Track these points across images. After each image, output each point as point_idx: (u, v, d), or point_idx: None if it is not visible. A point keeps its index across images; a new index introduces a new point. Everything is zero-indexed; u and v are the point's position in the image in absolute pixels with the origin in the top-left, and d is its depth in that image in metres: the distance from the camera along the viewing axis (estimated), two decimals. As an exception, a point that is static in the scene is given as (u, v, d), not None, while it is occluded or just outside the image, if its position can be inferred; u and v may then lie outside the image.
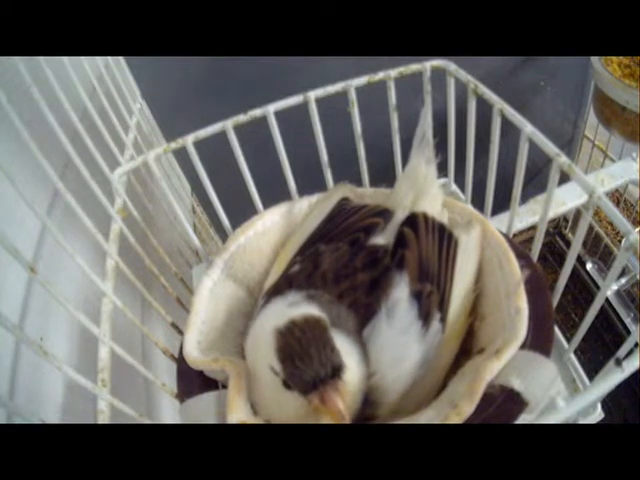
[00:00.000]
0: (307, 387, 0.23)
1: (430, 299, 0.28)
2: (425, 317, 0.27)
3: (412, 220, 0.32)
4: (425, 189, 0.34)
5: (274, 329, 0.24)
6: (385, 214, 0.33)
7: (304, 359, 0.23)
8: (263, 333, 0.25)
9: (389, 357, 0.26)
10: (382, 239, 0.32)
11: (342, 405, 0.22)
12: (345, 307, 0.27)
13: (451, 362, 0.28)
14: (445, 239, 0.31)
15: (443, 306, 0.28)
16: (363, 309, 0.27)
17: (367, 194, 0.38)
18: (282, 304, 0.27)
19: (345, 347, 0.25)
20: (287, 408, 0.24)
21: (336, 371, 0.23)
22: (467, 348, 0.29)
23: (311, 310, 0.25)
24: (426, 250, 0.30)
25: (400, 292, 0.28)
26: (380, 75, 0.41)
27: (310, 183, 0.41)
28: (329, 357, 0.23)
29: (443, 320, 0.28)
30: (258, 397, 0.26)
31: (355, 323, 0.26)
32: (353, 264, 0.30)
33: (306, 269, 0.30)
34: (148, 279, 0.40)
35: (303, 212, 0.38)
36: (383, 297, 0.27)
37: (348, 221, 0.34)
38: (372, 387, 0.25)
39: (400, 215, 0.33)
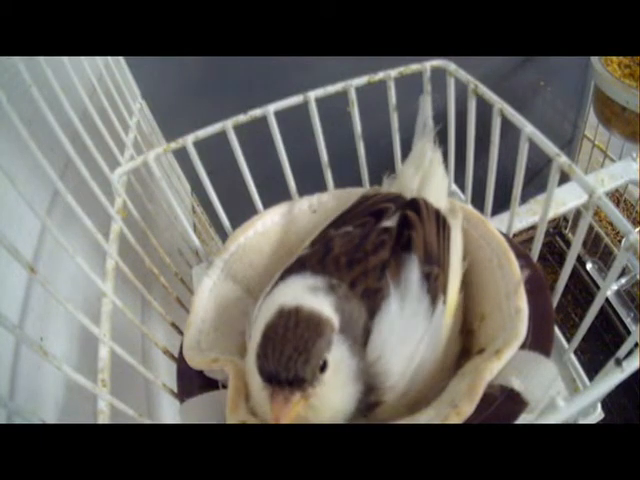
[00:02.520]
0: (264, 376, 0.23)
1: (437, 281, 0.28)
2: (433, 299, 0.27)
3: (414, 204, 0.32)
4: (431, 173, 0.35)
5: (280, 305, 0.24)
6: (396, 200, 0.34)
7: (275, 350, 0.23)
8: (272, 304, 0.25)
9: (395, 340, 0.26)
10: (388, 222, 0.32)
11: (284, 418, 0.22)
12: (358, 298, 0.27)
13: (455, 341, 0.28)
14: (441, 224, 0.32)
15: (446, 289, 0.29)
16: (374, 296, 0.27)
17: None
18: (302, 284, 0.26)
19: (341, 361, 0.24)
20: (256, 382, 0.24)
21: (296, 382, 0.22)
22: (467, 348, 0.29)
23: (325, 308, 0.24)
24: (429, 233, 0.30)
25: (411, 273, 0.28)
26: (380, 75, 0.41)
27: (310, 183, 0.41)
28: (297, 366, 0.22)
29: (445, 302, 0.28)
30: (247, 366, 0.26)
31: (365, 320, 0.26)
32: (364, 247, 0.30)
33: (318, 252, 0.30)
34: (148, 279, 0.40)
35: (303, 212, 0.38)
36: (394, 280, 0.27)
37: (359, 208, 0.34)
38: (377, 372, 0.25)
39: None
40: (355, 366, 0.25)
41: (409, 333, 0.26)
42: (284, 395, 0.22)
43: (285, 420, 0.22)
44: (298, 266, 0.29)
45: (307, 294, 0.25)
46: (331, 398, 0.24)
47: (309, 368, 0.23)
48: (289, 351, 0.23)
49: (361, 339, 0.25)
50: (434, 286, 0.28)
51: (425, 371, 0.26)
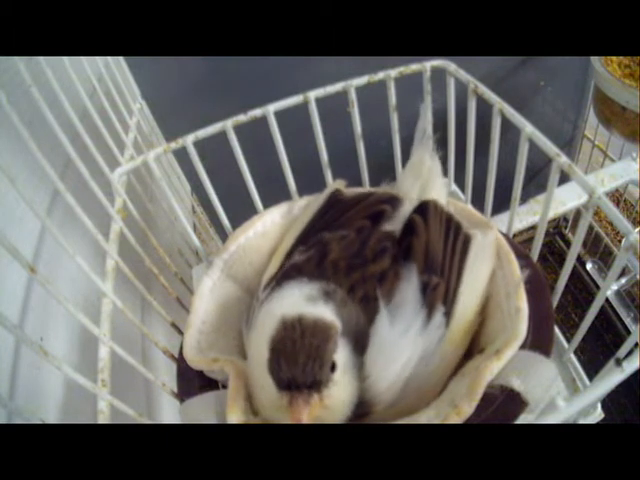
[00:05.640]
0: (281, 385, 0.23)
1: (436, 291, 0.27)
2: (429, 310, 0.27)
3: (423, 208, 0.32)
4: (430, 182, 0.35)
5: (281, 317, 0.24)
6: (393, 201, 0.33)
7: (289, 361, 0.23)
8: (272, 315, 0.25)
9: (384, 359, 0.26)
10: (390, 226, 0.31)
11: (306, 418, 0.22)
12: (357, 303, 0.27)
13: (459, 357, 0.28)
14: (452, 230, 0.31)
15: (448, 299, 0.28)
16: (373, 303, 0.27)
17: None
18: (299, 293, 0.26)
19: (346, 361, 0.25)
20: (270, 393, 0.24)
21: (315, 385, 0.23)
22: (467, 348, 0.29)
23: (326, 313, 0.25)
24: (433, 239, 0.30)
25: (407, 286, 0.27)
26: (380, 75, 0.41)
27: (310, 183, 0.41)
28: (314, 371, 0.23)
29: (448, 314, 0.27)
30: (250, 374, 0.26)
31: (364, 324, 0.26)
32: (364, 254, 0.29)
33: (314, 257, 0.30)
34: (148, 279, 0.40)
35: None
36: (390, 291, 0.27)
37: (354, 209, 0.34)
38: (365, 389, 0.25)
39: (409, 203, 0.33)
40: (356, 365, 0.25)
41: (399, 351, 0.26)
42: (303, 399, 0.23)
43: (306, 421, 0.22)
44: (294, 272, 0.29)
45: (306, 302, 0.25)
46: (341, 397, 0.24)
47: (324, 371, 0.23)
48: (303, 359, 0.23)
49: (361, 341, 0.26)
50: (431, 297, 0.27)
51: (418, 384, 0.26)
